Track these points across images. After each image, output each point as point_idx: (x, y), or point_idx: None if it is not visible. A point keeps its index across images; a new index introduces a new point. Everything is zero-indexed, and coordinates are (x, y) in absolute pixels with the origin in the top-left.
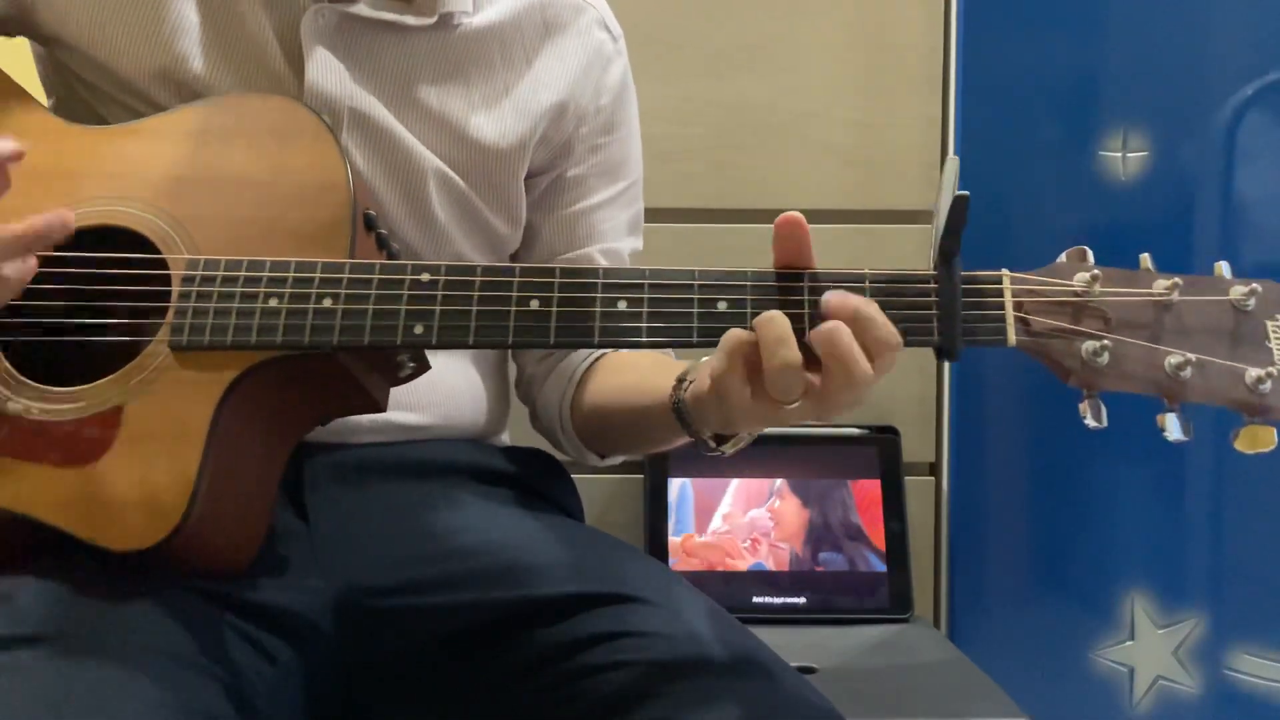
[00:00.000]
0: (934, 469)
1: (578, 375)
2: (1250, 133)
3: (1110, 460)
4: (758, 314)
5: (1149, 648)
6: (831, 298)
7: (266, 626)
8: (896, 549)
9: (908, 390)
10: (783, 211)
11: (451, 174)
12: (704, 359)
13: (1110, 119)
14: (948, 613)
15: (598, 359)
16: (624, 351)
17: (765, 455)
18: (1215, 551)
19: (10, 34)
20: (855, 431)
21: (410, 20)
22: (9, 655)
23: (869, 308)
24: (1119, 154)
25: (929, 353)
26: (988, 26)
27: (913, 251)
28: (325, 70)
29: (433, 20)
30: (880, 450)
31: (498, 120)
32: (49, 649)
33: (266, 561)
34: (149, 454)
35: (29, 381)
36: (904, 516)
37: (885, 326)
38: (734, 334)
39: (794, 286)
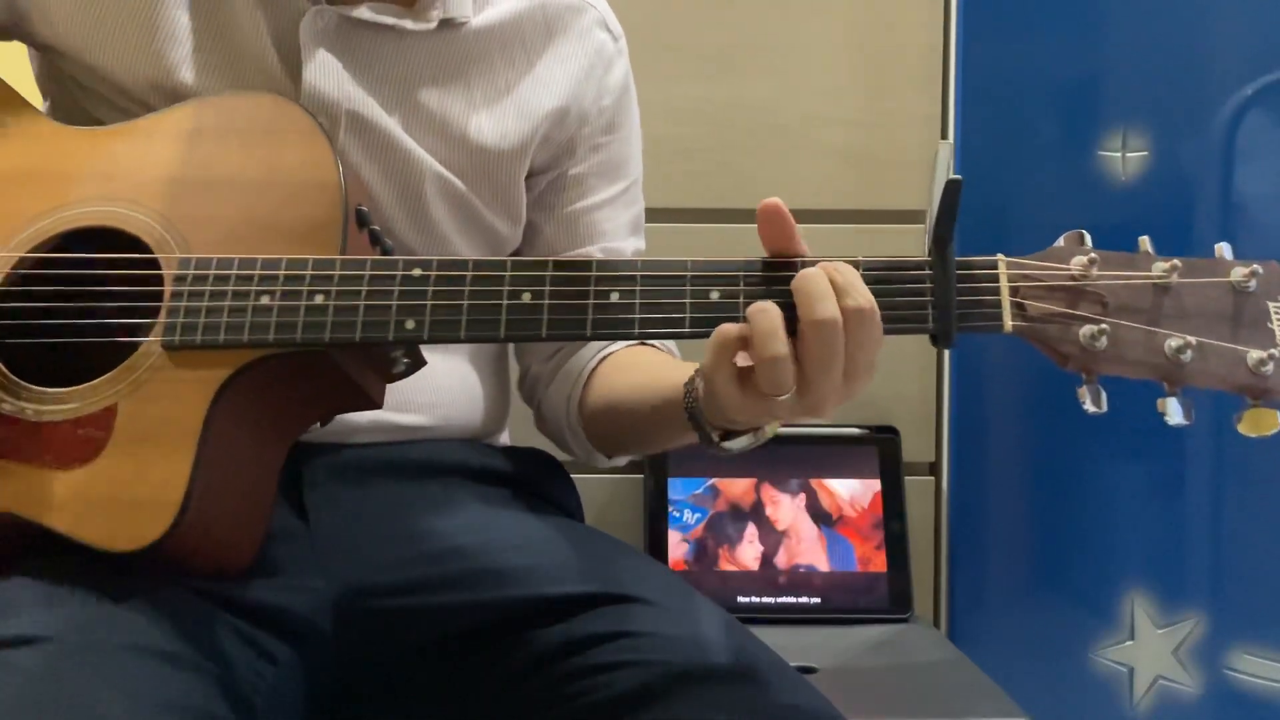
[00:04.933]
0: (934, 469)
1: (585, 374)
2: (1250, 132)
3: (1110, 460)
4: (750, 303)
5: (1149, 648)
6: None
7: (265, 626)
8: (896, 549)
9: (908, 390)
10: None
11: (451, 177)
12: None
13: (1110, 119)
14: (948, 613)
15: (604, 358)
16: (631, 349)
17: (765, 455)
18: (1215, 551)
19: (6, 39)
20: (855, 431)
21: (409, 25)
22: (4, 655)
23: (847, 271)
24: (1119, 154)
25: (930, 352)
26: (988, 26)
27: (913, 251)
28: (323, 72)
29: (432, 26)
30: (880, 450)
31: (499, 121)
32: (44, 649)
33: (265, 561)
34: (142, 454)
35: (22, 382)
36: (904, 516)
37: (860, 291)
38: (723, 330)
39: (786, 275)
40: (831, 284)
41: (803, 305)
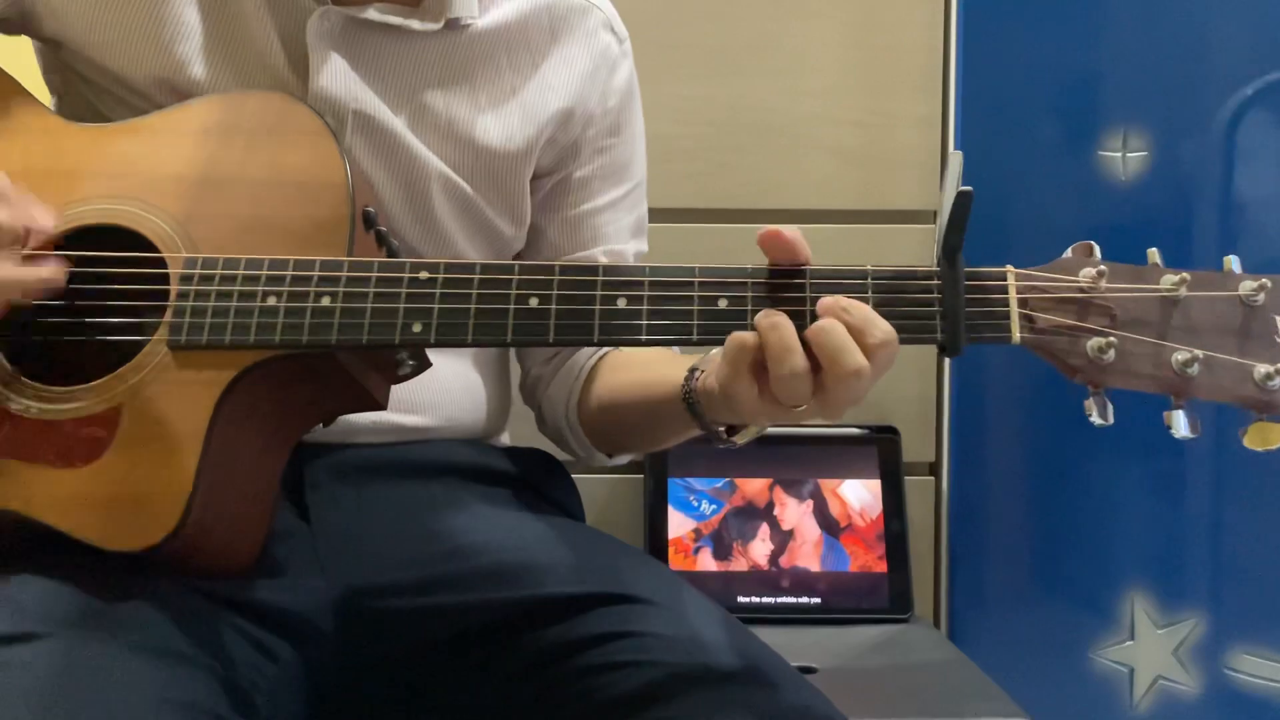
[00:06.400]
0: (934, 469)
1: (584, 373)
2: (1250, 133)
3: (1110, 460)
4: (759, 311)
5: (1149, 648)
6: (823, 301)
7: (267, 626)
8: (896, 549)
9: (908, 390)
10: (783, 211)
11: (456, 178)
12: (714, 350)
13: (1110, 119)
14: (948, 613)
15: (603, 356)
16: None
17: (765, 455)
18: (1215, 551)
19: (12, 33)
20: (855, 431)
21: (416, 25)
22: (9, 652)
23: (859, 308)
24: (1119, 154)
25: (930, 352)
26: (988, 26)
27: (913, 251)
28: (330, 73)
29: (439, 25)
30: (880, 450)
31: (504, 123)
32: (49, 647)
33: (268, 561)
34: (147, 454)
35: (28, 381)
36: (904, 516)
37: (878, 324)
38: (737, 340)
39: (795, 283)
40: (848, 327)
41: (827, 360)
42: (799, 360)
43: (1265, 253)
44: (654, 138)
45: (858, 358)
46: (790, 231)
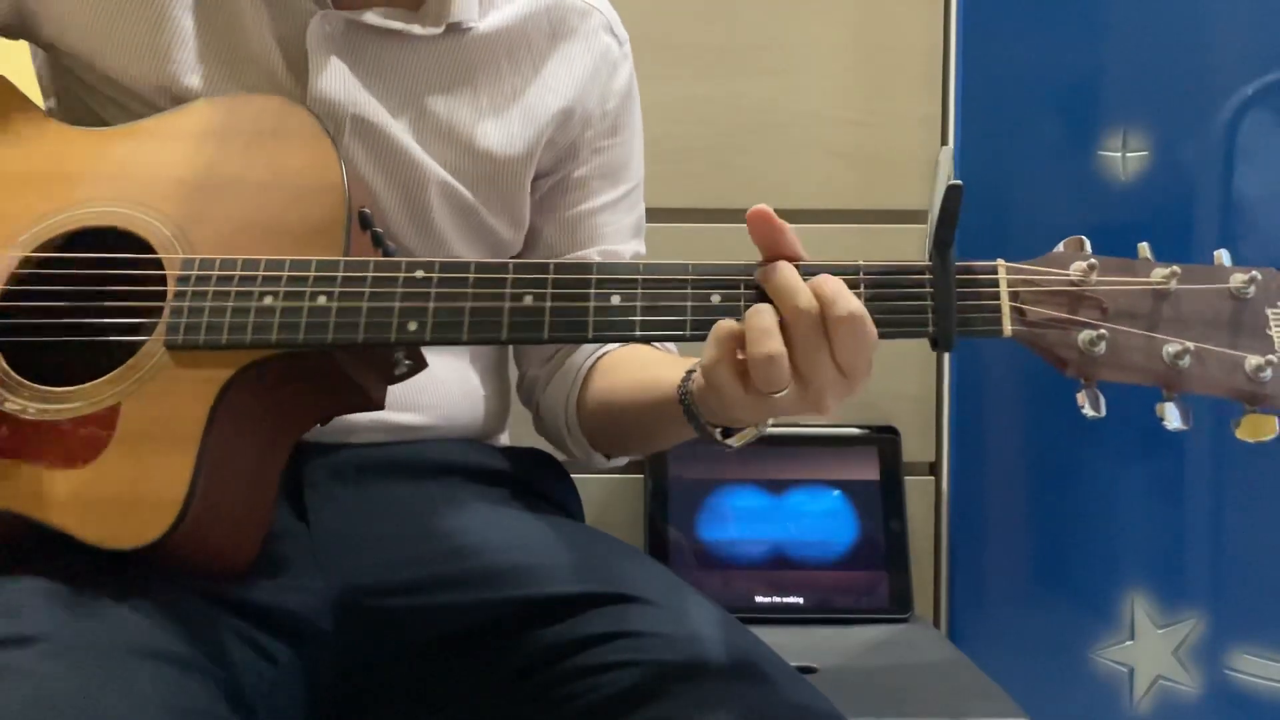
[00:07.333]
0: (934, 469)
1: (582, 374)
2: (1250, 132)
3: (1110, 460)
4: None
5: (1149, 648)
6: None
7: (266, 627)
8: (896, 549)
9: (908, 390)
10: (783, 211)
11: (456, 184)
12: None
13: (1110, 119)
14: (948, 613)
15: (601, 356)
16: (628, 348)
17: (765, 455)
18: (1215, 551)
19: (11, 37)
20: (855, 431)
21: (417, 30)
22: (6, 655)
23: (828, 283)
24: (1119, 154)
25: (928, 353)
26: (988, 26)
27: (913, 251)
28: (330, 77)
29: (439, 30)
30: (880, 450)
31: (505, 126)
32: (46, 648)
33: (266, 562)
34: (145, 453)
35: (26, 381)
36: (904, 516)
37: (848, 300)
38: (724, 325)
39: None
40: (818, 296)
41: (778, 299)
42: (775, 344)
43: (1265, 253)
44: (654, 138)
45: (807, 297)
46: (779, 219)
